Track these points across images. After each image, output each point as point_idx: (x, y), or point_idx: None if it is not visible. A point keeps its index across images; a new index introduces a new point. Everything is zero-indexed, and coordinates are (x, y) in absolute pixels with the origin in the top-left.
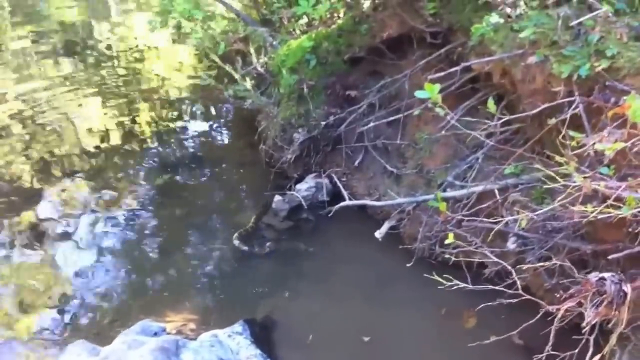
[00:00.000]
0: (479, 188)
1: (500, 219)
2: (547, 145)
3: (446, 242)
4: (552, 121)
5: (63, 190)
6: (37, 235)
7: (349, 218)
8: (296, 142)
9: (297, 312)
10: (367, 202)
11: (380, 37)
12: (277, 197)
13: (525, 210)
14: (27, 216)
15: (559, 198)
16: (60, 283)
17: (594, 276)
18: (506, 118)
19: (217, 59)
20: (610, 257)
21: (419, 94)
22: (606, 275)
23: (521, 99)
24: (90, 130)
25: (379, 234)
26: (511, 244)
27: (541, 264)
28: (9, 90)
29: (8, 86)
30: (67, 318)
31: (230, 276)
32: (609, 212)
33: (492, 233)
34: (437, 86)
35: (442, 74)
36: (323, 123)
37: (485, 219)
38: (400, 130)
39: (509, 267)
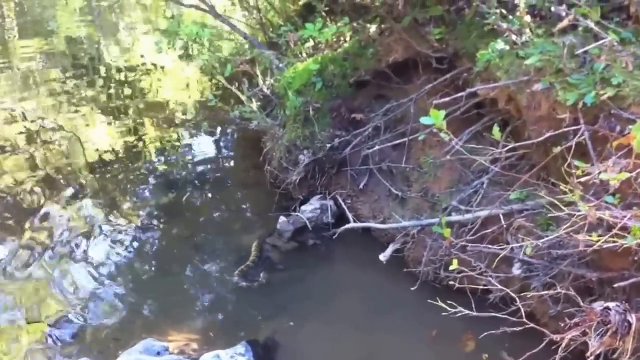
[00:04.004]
0: (483, 213)
1: (505, 245)
2: (553, 172)
3: (450, 267)
4: (558, 149)
5: (68, 208)
6: (42, 251)
7: (353, 240)
8: (301, 163)
9: (300, 335)
10: (372, 224)
11: (386, 61)
12: (282, 218)
13: (530, 236)
14: (32, 233)
15: (565, 226)
16: (64, 300)
17: (598, 306)
18: (511, 145)
19: (223, 81)
20: (615, 285)
21: (424, 120)
22: (611, 305)
23: (526, 125)
24: (96, 148)
25: (383, 257)
26: (516, 270)
27: (546, 291)
28: (17, 107)
29: (15, 103)
30: (70, 335)
31: (234, 297)
32: (614, 242)
33: (497, 259)
34: (442, 113)
35: (447, 99)
36: (328, 145)
37: (490, 245)
38: (405, 153)
39: (513, 294)
